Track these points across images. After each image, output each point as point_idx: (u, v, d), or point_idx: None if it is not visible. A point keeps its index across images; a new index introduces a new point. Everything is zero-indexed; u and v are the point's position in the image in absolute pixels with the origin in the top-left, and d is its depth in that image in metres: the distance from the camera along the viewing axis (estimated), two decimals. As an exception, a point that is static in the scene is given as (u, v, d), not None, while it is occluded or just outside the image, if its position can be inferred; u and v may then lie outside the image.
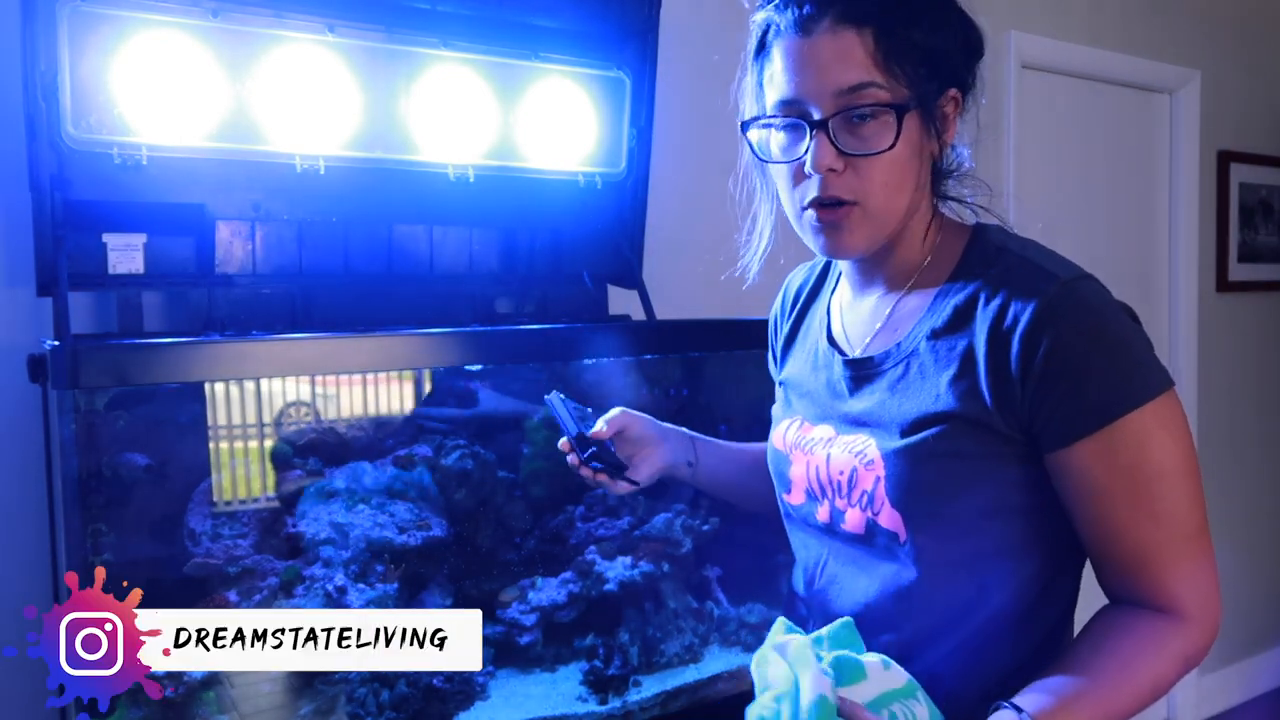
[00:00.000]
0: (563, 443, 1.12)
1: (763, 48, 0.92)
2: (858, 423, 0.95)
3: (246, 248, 1.47)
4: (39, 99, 1.22)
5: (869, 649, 0.86)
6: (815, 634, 0.85)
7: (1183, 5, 3.21)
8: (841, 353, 1.00)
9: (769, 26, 0.91)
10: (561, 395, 1.15)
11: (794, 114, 0.88)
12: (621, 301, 1.80)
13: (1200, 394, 3.31)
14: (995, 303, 0.87)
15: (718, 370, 1.70)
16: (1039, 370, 0.83)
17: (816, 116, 0.87)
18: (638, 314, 1.76)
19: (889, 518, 0.91)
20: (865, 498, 0.92)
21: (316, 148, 1.41)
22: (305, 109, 1.39)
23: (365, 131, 1.45)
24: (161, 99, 1.30)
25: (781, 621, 0.86)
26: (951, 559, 0.90)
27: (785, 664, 0.79)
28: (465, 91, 1.53)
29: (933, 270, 0.95)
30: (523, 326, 1.58)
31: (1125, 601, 0.88)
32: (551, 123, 1.61)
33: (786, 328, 1.13)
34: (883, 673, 0.81)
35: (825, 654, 0.81)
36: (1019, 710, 0.80)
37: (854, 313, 1.02)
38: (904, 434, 0.90)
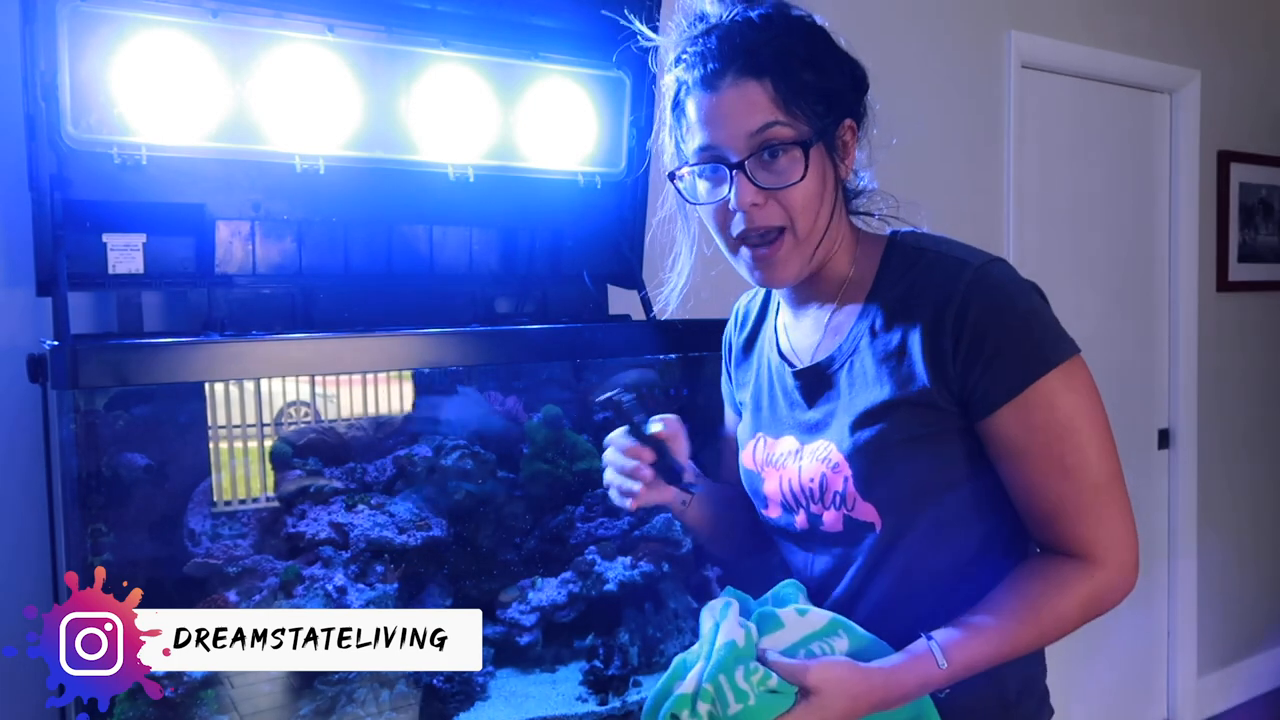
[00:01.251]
0: (619, 440, 1.10)
1: (677, 104, 1.02)
2: (817, 428, 1.04)
3: (246, 248, 1.47)
4: (39, 99, 1.22)
5: (855, 613, 1.00)
6: (764, 596, 1.03)
7: (1183, 5, 3.21)
8: (791, 365, 1.09)
9: (680, 86, 1.01)
10: (627, 396, 1.10)
11: (712, 159, 0.99)
12: (621, 301, 1.80)
13: (1200, 394, 3.31)
14: (923, 296, 0.97)
15: (718, 370, 1.70)
16: (965, 348, 0.93)
17: (733, 159, 0.97)
18: (638, 314, 1.76)
19: (863, 510, 0.99)
20: (838, 498, 1.01)
21: (316, 148, 1.41)
22: (305, 109, 1.39)
23: (365, 131, 1.45)
24: (161, 99, 1.30)
25: (729, 591, 1.02)
26: (921, 533, 0.99)
27: (711, 619, 0.96)
28: (465, 91, 1.53)
29: (858, 279, 1.05)
30: (523, 326, 1.58)
31: (1048, 549, 0.98)
32: (551, 123, 1.61)
33: (739, 350, 1.21)
34: (798, 619, 0.96)
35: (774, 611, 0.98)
36: (929, 638, 0.93)
37: (797, 329, 1.11)
38: (860, 428, 0.99)
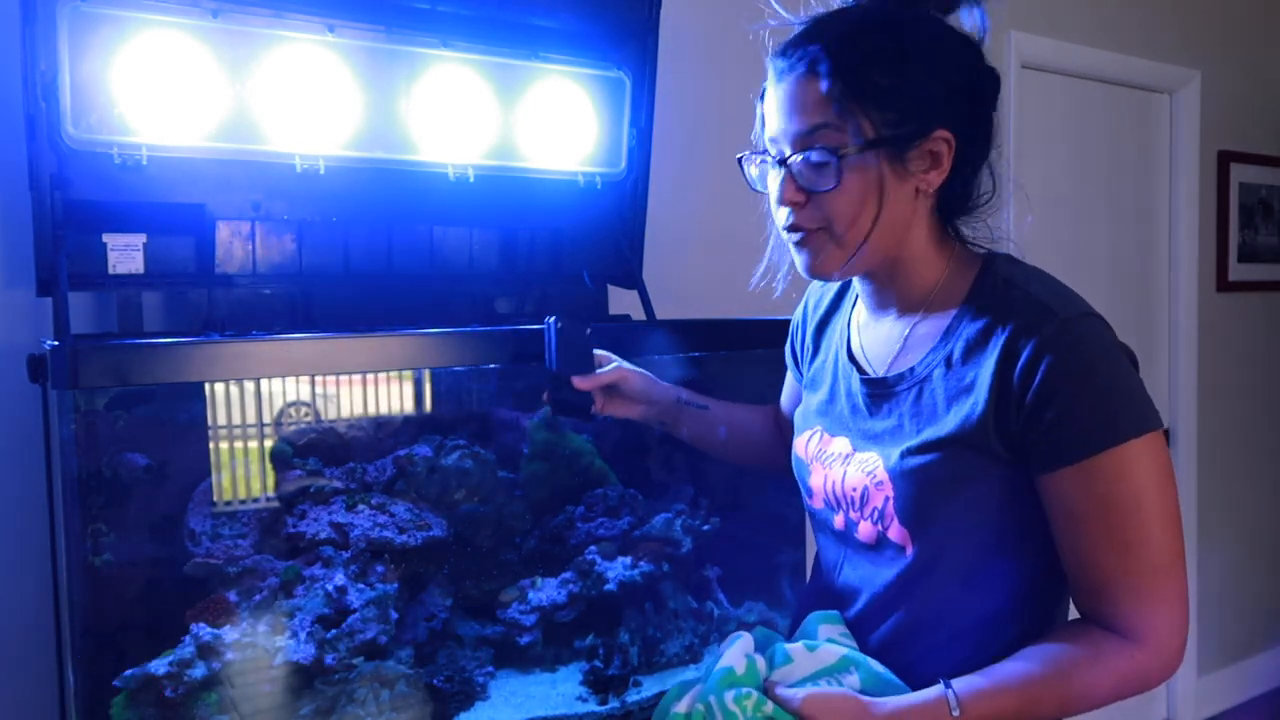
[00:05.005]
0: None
1: (764, 90, 1.02)
2: (874, 440, 1.02)
3: (246, 248, 1.47)
4: (39, 99, 1.22)
5: (876, 633, 1.01)
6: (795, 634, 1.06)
7: (1182, 5, 3.21)
8: (860, 371, 1.07)
9: (768, 71, 1.01)
10: (560, 323, 1.24)
11: (773, 150, 0.99)
12: (621, 301, 1.80)
13: (1200, 394, 3.31)
14: (1001, 339, 0.92)
15: (718, 370, 1.69)
16: (1031, 402, 0.89)
17: (784, 155, 0.97)
18: (638, 314, 1.76)
19: (897, 532, 0.98)
20: (876, 513, 1.00)
21: (316, 148, 1.41)
22: (305, 109, 1.39)
23: (365, 131, 1.45)
24: (161, 99, 1.30)
25: (757, 632, 1.04)
26: (951, 569, 0.97)
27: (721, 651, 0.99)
28: (465, 91, 1.53)
29: (944, 297, 1.01)
30: (523, 326, 1.58)
31: (1091, 619, 0.93)
32: (551, 123, 1.61)
33: (809, 338, 1.21)
34: (807, 655, 0.98)
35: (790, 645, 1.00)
36: (948, 685, 0.91)
37: (871, 333, 1.09)
38: (913, 456, 0.96)
